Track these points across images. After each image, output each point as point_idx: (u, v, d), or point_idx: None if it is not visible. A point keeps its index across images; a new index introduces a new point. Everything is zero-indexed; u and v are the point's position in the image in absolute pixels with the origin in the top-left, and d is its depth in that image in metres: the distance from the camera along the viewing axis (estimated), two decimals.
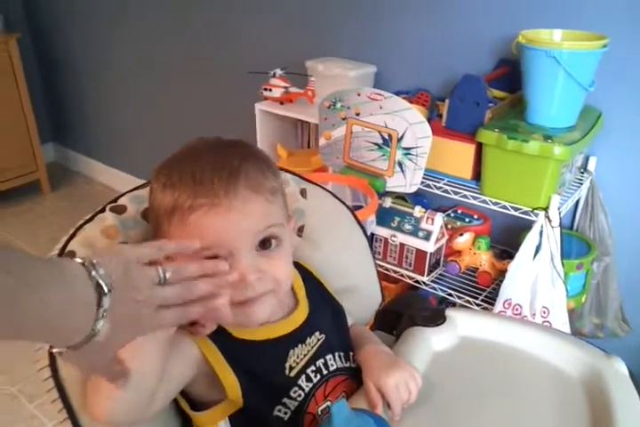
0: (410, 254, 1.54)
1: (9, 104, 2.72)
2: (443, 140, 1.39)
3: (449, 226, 1.62)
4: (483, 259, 1.55)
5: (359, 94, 1.39)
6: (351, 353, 0.74)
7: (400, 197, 1.68)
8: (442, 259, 1.60)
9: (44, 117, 3.15)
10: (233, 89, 2.17)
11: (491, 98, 1.41)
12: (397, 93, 1.49)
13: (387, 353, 0.71)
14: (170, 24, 2.31)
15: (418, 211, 1.52)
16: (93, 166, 3.09)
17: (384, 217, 1.55)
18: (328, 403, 0.68)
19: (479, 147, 1.34)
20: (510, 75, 1.45)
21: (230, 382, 0.63)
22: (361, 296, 0.85)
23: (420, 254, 1.51)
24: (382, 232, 1.55)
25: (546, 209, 1.28)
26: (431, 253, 1.51)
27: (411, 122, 1.34)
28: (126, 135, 2.81)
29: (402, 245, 1.54)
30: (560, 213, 1.29)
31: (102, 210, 0.70)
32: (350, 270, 0.85)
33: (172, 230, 0.63)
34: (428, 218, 1.50)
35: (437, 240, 1.51)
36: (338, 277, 0.82)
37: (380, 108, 1.37)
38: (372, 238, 1.58)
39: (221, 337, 0.64)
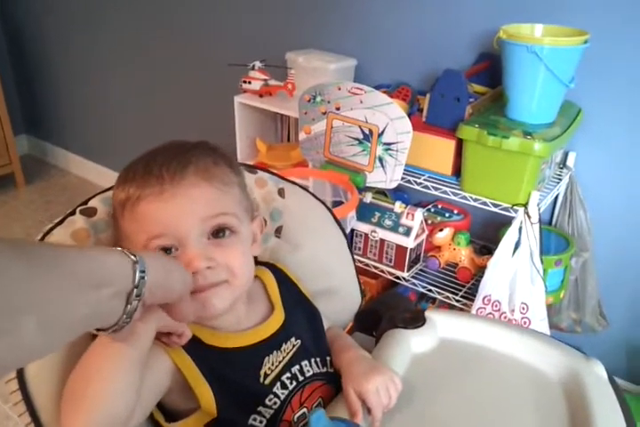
0: (390, 250, 1.53)
1: None
2: (423, 135, 1.38)
3: (429, 221, 1.62)
4: (462, 254, 1.55)
5: (339, 88, 1.37)
6: (328, 358, 0.73)
7: (380, 192, 1.67)
8: (422, 254, 1.59)
9: (17, 109, 3.06)
10: (212, 81, 2.13)
11: (471, 93, 1.40)
12: (378, 87, 1.48)
13: (366, 358, 0.70)
14: (148, 14, 2.25)
15: (398, 206, 1.51)
16: (69, 159, 3.03)
17: (364, 212, 1.54)
18: (304, 410, 0.67)
19: (459, 142, 1.33)
20: (491, 69, 1.45)
21: (203, 392, 0.62)
22: (340, 298, 0.84)
23: (401, 250, 1.51)
24: (362, 228, 1.54)
25: (525, 205, 1.28)
26: (411, 249, 1.51)
27: (391, 117, 1.33)
28: (102, 127, 2.75)
29: (382, 240, 1.53)
30: (539, 210, 1.29)
31: (72, 213, 0.68)
32: (329, 272, 0.83)
33: (124, 223, 0.63)
34: (408, 214, 1.49)
35: (417, 236, 1.51)
36: (316, 278, 0.80)
37: (361, 102, 1.35)
38: (352, 234, 1.57)
39: (193, 345, 0.62)
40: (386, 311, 0.77)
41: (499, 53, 1.27)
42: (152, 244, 0.61)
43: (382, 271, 1.55)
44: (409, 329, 0.73)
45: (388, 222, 1.52)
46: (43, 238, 0.64)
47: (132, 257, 0.49)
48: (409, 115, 1.39)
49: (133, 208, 0.62)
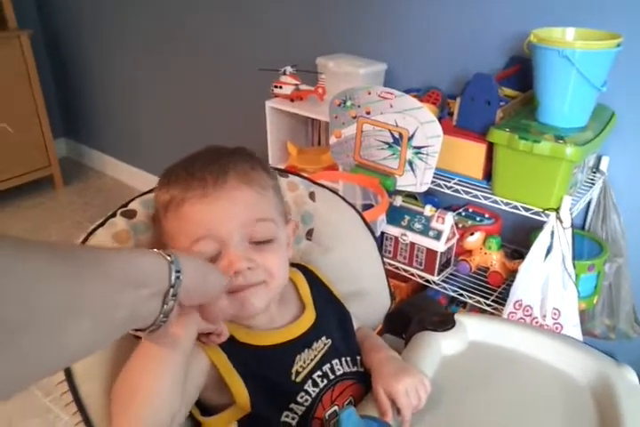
0: (420, 253, 1.54)
1: (22, 100, 2.73)
2: (454, 139, 1.38)
3: (459, 225, 1.61)
4: (493, 259, 1.54)
5: (369, 93, 1.38)
6: (358, 357, 0.74)
7: (411, 195, 1.67)
8: (452, 258, 1.59)
9: (56, 113, 3.16)
10: (244, 86, 2.17)
11: (502, 96, 1.39)
12: (408, 91, 1.49)
13: (396, 359, 0.71)
14: (182, 21, 2.31)
15: (428, 210, 1.51)
16: (105, 161, 3.11)
17: (394, 216, 1.55)
18: (335, 408, 0.68)
19: (490, 146, 1.33)
20: (521, 73, 1.44)
21: (238, 387, 0.64)
22: (370, 300, 0.86)
23: (431, 254, 1.51)
24: (392, 231, 1.55)
25: (557, 210, 1.27)
26: (442, 253, 1.51)
27: (421, 121, 1.33)
28: (137, 130, 2.82)
29: (412, 244, 1.53)
30: (572, 214, 1.28)
31: (113, 215, 0.71)
32: (359, 275, 0.85)
33: (167, 224, 0.65)
34: (438, 217, 1.49)
35: (448, 240, 1.50)
36: (347, 281, 0.82)
37: (391, 106, 1.36)
38: (382, 237, 1.58)
39: (228, 343, 0.65)
40: (415, 314, 0.78)
41: (529, 57, 1.27)
42: (196, 246, 0.63)
43: (412, 275, 1.56)
44: (438, 332, 0.74)
45: (418, 226, 1.52)
46: (86, 239, 0.68)
47: (168, 257, 0.50)
48: (439, 119, 1.39)
49: (177, 209, 0.64)
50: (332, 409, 0.68)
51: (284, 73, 1.67)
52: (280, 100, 1.71)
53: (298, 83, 1.67)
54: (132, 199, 0.73)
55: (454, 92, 1.53)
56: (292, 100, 1.69)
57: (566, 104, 1.23)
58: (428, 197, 1.70)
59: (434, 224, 1.50)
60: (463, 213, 1.68)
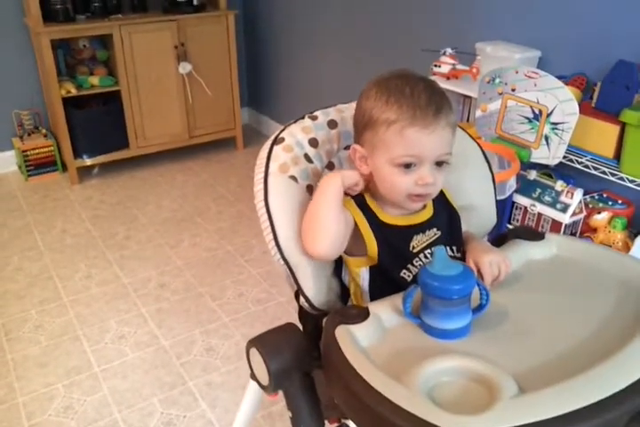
0: (546, 224, 1.69)
1: (221, 70, 3.25)
2: (590, 119, 1.52)
3: (590, 206, 1.73)
4: (617, 238, 1.64)
5: (517, 72, 1.57)
6: (460, 248, 0.98)
7: (547, 174, 1.82)
8: (577, 234, 1.72)
9: (244, 85, 3.67)
10: (408, 65, 2.41)
11: None
12: (558, 78, 1.64)
13: (488, 245, 0.96)
14: (363, 11, 2.62)
15: (559, 185, 1.66)
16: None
17: (527, 188, 1.72)
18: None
19: (623, 128, 1.46)
20: None
21: (371, 243, 0.92)
22: (477, 214, 1.08)
23: (556, 225, 1.66)
24: (523, 201, 1.72)
25: None
26: (566, 225, 1.65)
27: (561, 99, 1.50)
28: (311, 106, 3.19)
29: (539, 214, 1.69)
30: None
31: (302, 117, 1.04)
32: (473, 193, 1.08)
33: (387, 135, 0.89)
34: (568, 192, 1.63)
35: (574, 214, 1.64)
36: (462, 195, 1.06)
37: (535, 85, 1.54)
38: (512, 206, 1.75)
39: (370, 217, 0.94)
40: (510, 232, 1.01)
41: None
42: (404, 159, 0.89)
43: None
44: (529, 241, 0.96)
45: (547, 198, 1.68)
46: (284, 129, 1.01)
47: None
48: (582, 101, 1.54)
49: (402, 130, 0.87)
50: None
51: (444, 53, 1.90)
52: (437, 78, 1.94)
53: (455, 63, 1.89)
54: (315, 110, 1.05)
55: (601, 79, 1.65)
56: (447, 79, 1.91)
57: None
58: (565, 177, 1.83)
59: (563, 198, 1.65)
60: (596, 197, 1.79)
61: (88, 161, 3.10)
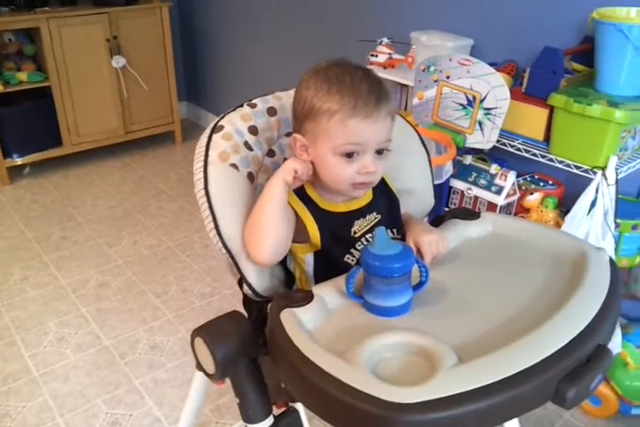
0: (482, 207, 1.74)
1: (156, 63, 3.18)
2: (520, 104, 1.57)
3: (523, 187, 1.80)
4: (549, 217, 1.71)
5: (451, 60, 1.61)
6: (400, 230, 1.01)
7: (482, 158, 1.88)
8: (512, 214, 1.78)
9: (182, 79, 3.60)
10: (345, 54, 2.43)
11: (570, 70, 1.57)
12: (490, 65, 1.69)
13: (427, 225, 0.98)
14: (296, 1, 2.62)
15: (494, 168, 1.71)
16: None
17: (463, 172, 1.76)
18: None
19: (552, 112, 1.52)
20: (592, 51, 1.60)
21: (313, 230, 0.93)
22: (416, 197, 1.11)
23: (491, 207, 1.71)
24: (459, 185, 1.77)
25: (604, 169, 1.44)
26: (501, 206, 1.70)
27: (493, 85, 1.54)
28: (249, 97, 3.17)
29: (476, 197, 1.74)
30: (617, 175, 1.45)
31: (241, 105, 1.03)
32: (411, 177, 1.11)
33: (329, 125, 0.89)
34: (501, 175, 1.69)
35: (508, 195, 1.70)
36: (401, 180, 1.08)
37: (468, 72, 1.58)
38: (449, 191, 1.80)
39: (312, 207, 0.95)
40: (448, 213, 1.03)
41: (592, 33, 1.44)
42: (346, 147, 0.89)
43: None
44: (466, 220, 0.99)
45: (482, 182, 1.73)
46: (223, 117, 0.99)
47: None
48: (512, 87, 1.59)
49: (344, 120, 0.88)
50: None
51: (380, 43, 1.92)
52: (374, 68, 1.96)
53: (391, 52, 1.92)
54: (253, 98, 1.03)
55: (530, 65, 1.71)
56: (384, 68, 1.94)
57: (622, 74, 1.40)
58: (499, 160, 1.89)
59: (497, 181, 1.70)
60: (529, 179, 1.86)
61: (18, 160, 2.97)
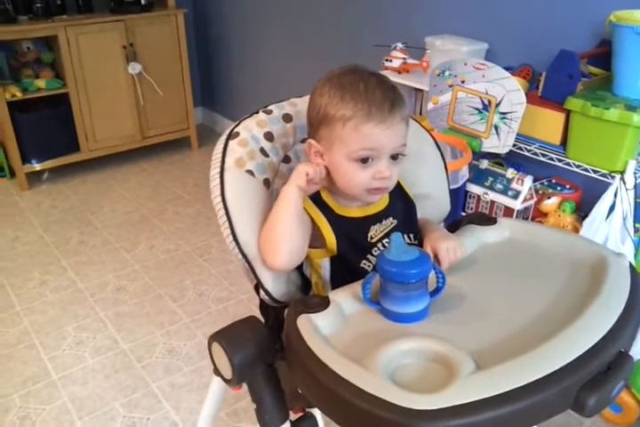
0: (499, 211, 1.74)
1: (172, 70, 3.21)
2: (537, 108, 1.56)
3: (540, 192, 1.79)
4: (567, 221, 1.70)
5: (466, 64, 1.60)
6: (417, 235, 1.01)
7: (498, 163, 1.87)
8: (529, 219, 1.77)
9: (197, 84, 3.63)
10: (360, 60, 2.43)
11: (586, 73, 1.56)
12: (505, 69, 1.68)
13: (444, 231, 0.98)
14: (313, 5, 2.62)
15: (510, 173, 1.71)
16: None
17: (479, 177, 1.76)
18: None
19: (568, 116, 1.51)
20: (609, 54, 1.59)
21: (329, 236, 0.94)
22: (432, 202, 1.11)
23: (508, 211, 1.70)
24: (476, 190, 1.76)
25: (622, 173, 1.42)
26: (518, 211, 1.70)
27: (508, 89, 1.53)
28: (264, 103, 3.19)
29: (492, 202, 1.73)
30: (636, 179, 1.43)
31: (257, 112, 1.03)
32: (426, 182, 1.11)
33: (344, 131, 0.90)
34: (518, 179, 1.68)
35: (525, 200, 1.69)
36: (417, 185, 1.08)
37: (483, 76, 1.58)
38: (465, 195, 1.79)
39: (327, 213, 0.95)
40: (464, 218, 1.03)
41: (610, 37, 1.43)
42: (361, 152, 0.90)
43: None
44: (482, 226, 0.99)
45: (499, 186, 1.72)
46: (239, 123, 0.99)
47: None
48: (528, 91, 1.58)
49: (358, 126, 0.88)
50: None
51: (395, 48, 1.92)
52: (389, 73, 1.96)
53: (406, 57, 1.92)
54: (269, 104, 1.04)
55: (546, 69, 1.70)
56: (399, 73, 1.94)
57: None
58: (515, 165, 1.88)
59: (513, 185, 1.69)
60: (546, 183, 1.84)
61: (37, 166, 3.01)
